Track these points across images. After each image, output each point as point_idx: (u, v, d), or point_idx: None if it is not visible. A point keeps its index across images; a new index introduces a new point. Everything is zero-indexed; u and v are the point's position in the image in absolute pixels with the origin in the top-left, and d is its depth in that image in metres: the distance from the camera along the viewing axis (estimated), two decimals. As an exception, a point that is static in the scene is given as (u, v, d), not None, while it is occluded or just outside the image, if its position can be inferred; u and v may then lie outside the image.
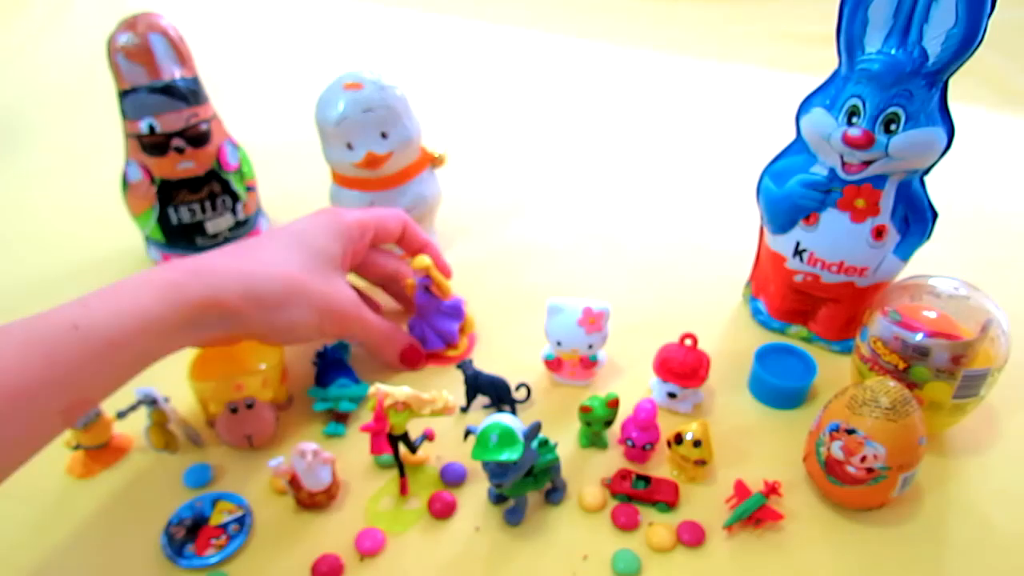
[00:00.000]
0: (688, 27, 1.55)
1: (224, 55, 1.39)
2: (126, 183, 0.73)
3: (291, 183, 0.90)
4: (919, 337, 0.51)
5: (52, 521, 0.52)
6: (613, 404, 0.55)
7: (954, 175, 0.98)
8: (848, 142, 0.52)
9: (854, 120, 0.52)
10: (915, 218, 0.56)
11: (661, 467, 0.55)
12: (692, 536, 0.49)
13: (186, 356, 0.59)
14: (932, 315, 0.53)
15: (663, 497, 0.52)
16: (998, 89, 1.19)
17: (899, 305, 0.54)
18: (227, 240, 0.78)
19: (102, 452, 0.56)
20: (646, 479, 0.53)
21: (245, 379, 0.55)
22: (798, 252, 0.59)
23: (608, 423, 0.56)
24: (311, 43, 1.55)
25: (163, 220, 0.74)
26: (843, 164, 0.54)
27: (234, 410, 0.55)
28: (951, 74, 0.50)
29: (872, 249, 0.57)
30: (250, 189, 0.79)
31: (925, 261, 0.59)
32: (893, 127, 0.51)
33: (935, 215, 0.57)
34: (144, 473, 0.56)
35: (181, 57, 0.70)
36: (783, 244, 0.61)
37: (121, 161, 0.73)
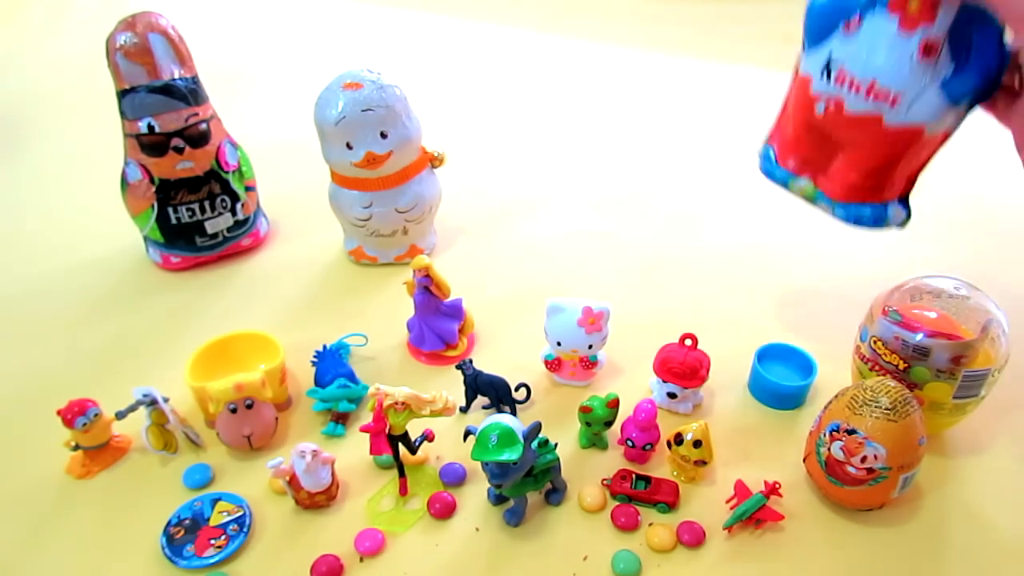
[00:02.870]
0: (688, 27, 1.55)
1: (224, 55, 1.39)
2: (125, 183, 0.73)
3: (291, 183, 0.90)
4: (919, 337, 0.51)
5: (52, 521, 0.52)
6: (613, 404, 0.55)
7: (955, 175, 0.98)
8: None
9: None
10: (981, 46, 0.45)
11: (661, 467, 0.55)
12: (692, 536, 0.49)
13: (186, 356, 0.59)
14: (932, 315, 0.53)
15: (663, 497, 0.51)
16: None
17: (899, 305, 0.54)
18: (227, 240, 0.78)
19: (101, 452, 0.55)
20: (646, 479, 0.53)
21: (245, 379, 0.55)
22: (827, 68, 0.50)
23: (608, 423, 0.55)
24: (311, 43, 1.55)
25: (162, 220, 0.74)
26: None
27: (234, 410, 0.54)
28: None
29: (914, 70, 0.46)
30: (250, 189, 0.79)
31: (925, 261, 0.59)
32: None
33: (1005, 57, 0.45)
34: (144, 473, 0.55)
35: (181, 57, 0.70)
36: (814, 62, 0.51)
37: (120, 161, 0.73)
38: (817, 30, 0.50)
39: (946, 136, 0.49)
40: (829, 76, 0.49)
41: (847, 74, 0.48)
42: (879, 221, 0.52)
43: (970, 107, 0.46)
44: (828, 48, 0.49)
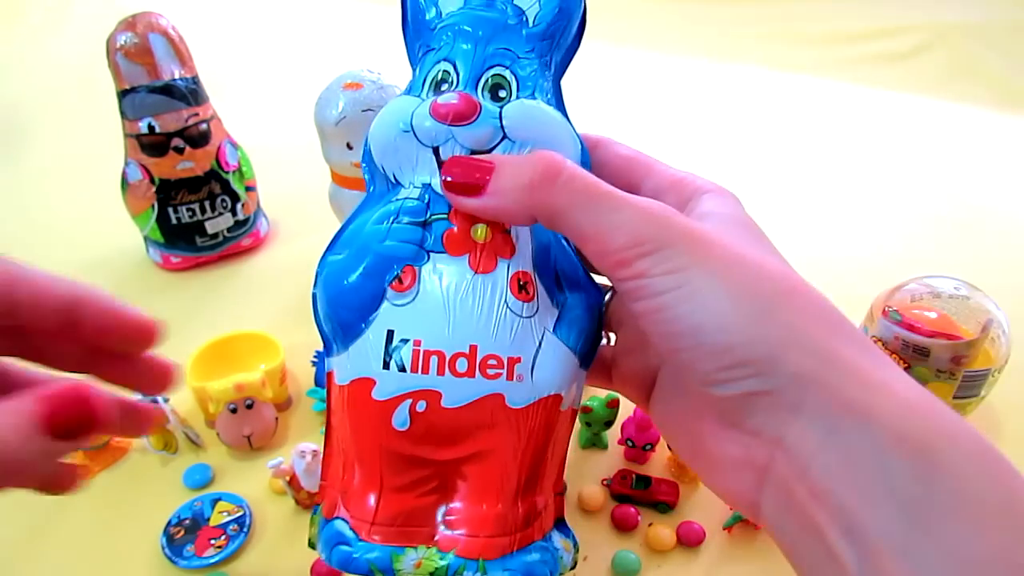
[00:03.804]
0: (688, 27, 1.55)
1: (224, 55, 1.39)
2: (125, 183, 0.73)
3: (291, 183, 0.90)
4: (919, 337, 0.51)
5: (52, 521, 0.52)
6: (613, 404, 0.55)
7: (955, 175, 0.98)
8: (439, 114, 0.32)
9: (444, 89, 0.34)
10: (572, 268, 0.35)
11: (661, 467, 0.55)
12: (692, 536, 0.49)
13: (186, 356, 0.59)
14: (932, 315, 0.53)
15: (663, 497, 0.52)
16: (998, 89, 1.19)
17: (899, 305, 0.54)
18: (227, 240, 0.78)
19: (101, 452, 0.56)
20: (646, 479, 0.53)
21: (245, 379, 0.55)
22: (392, 354, 0.32)
23: (608, 423, 0.56)
24: (311, 43, 1.55)
25: (162, 220, 0.74)
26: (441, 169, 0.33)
27: (234, 410, 0.55)
28: (564, 60, 0.39)
29: (519, 314, 0.32)
30: (250, 189, 0.79)
31: (925, 261, 0.59)
32: (502, 93, 0.34)
33: (593, 282, 0.35)
34: (144, 473, 0.56)
35: (181, 57, 0.70)
36: (362, 357, 0.33)
37: (121, 161, 0.73)
38: (347, 317, 0.34)
39: (573, 413, 0.35)
40: (402, 364, 0.32)
41: (433, 350, 0.32)
42: (555, 566, 0.33)
43: (590, 356, 0.35)
44: (382, 326, 0.33)
